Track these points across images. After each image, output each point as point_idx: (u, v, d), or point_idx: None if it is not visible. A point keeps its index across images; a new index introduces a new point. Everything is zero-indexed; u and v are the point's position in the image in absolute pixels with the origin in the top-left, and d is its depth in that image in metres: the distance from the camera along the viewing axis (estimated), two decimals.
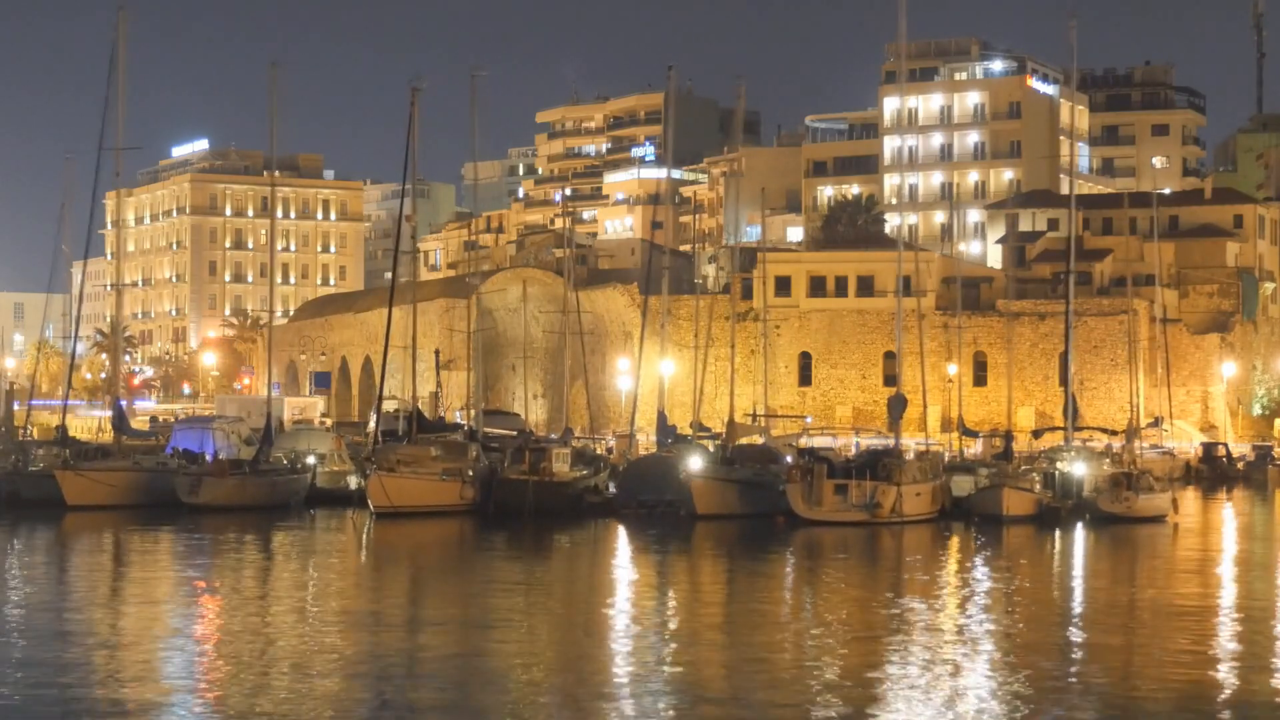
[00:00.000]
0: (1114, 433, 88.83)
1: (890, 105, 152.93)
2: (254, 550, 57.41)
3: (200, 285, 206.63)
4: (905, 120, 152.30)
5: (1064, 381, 79.71)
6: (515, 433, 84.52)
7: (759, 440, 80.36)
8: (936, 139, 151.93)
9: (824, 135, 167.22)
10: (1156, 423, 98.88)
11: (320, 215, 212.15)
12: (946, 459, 79.90)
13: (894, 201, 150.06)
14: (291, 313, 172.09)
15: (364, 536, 62.33)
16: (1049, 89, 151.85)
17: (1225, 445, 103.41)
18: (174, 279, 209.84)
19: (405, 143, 75.08)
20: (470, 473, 69.11)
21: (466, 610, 42.30)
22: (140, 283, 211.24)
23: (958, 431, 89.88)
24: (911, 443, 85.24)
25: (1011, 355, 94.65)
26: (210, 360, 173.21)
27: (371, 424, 78.28)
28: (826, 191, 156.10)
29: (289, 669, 32.48)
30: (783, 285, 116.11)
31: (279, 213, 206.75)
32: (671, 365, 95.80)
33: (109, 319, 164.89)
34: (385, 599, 45.22)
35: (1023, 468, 74.73)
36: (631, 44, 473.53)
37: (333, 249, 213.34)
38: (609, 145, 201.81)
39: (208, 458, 74.66)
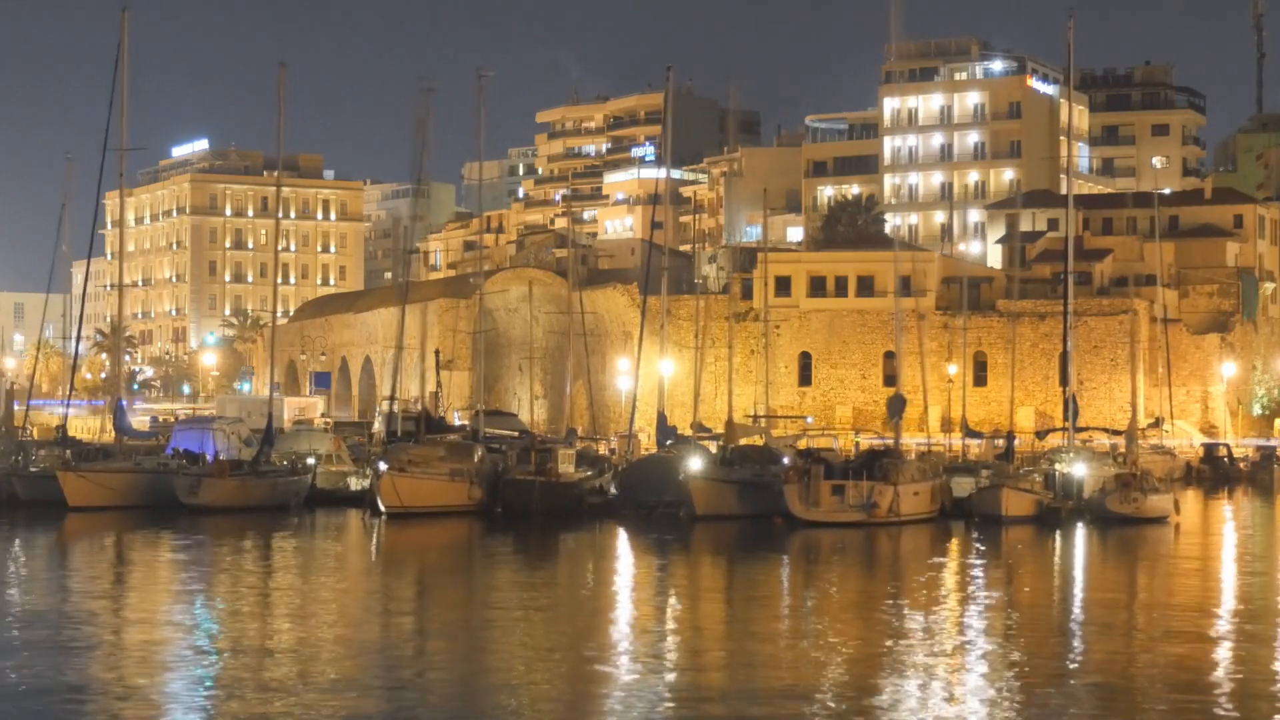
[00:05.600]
0: (1118, 433, 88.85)
1: (890, 105, 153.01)
2: (261, 553, 57.40)
3: (200, 285, 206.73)
4: (905, 120, 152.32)
5: (1064, 382, 79.75)
6: (517, 433, 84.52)
7: (759, 441, 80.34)
8: (936, 139, 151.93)
9: (824, 135, 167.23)
10: (1156, 423, 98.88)
11: (320, 215, 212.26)
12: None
13: (894, 201, 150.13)
14: (291, 313, 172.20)
15: (375, 538, 62.42)
16: (1049, 89, 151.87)
17: (1227, 445, 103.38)
18: (174, 279, 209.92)
19: (407, 143, 75.46)
20: (476, 474, 69.13)
21: (474, 614, 42.37)
22: (140, 283, 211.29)
23: (960, 432, 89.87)
24: (914, 442, 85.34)
25: (1012, 355, 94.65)
26: (210, 360, 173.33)
27: (377, 424, 78.34)
28: (826, 191, 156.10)
29: (293, 672, 32.52)
30: (783, 285, 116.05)
31: (279, 213, 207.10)
32: (671, 365, 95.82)
33: (109, 319, 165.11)
34: (401, 601, 45.26)
35: (1023, 468, 74.72)
36: (631, 44, 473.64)
37: (333, 249, 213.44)
38: (609, 145, 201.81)
39: (208, 458, 74.62)
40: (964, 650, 36.08)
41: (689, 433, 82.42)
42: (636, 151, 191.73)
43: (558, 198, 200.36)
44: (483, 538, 62.71)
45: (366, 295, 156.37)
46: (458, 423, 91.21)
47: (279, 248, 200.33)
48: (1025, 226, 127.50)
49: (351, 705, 29.28)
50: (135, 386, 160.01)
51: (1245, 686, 32.09)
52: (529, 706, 29.51)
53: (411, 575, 52.13)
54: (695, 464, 70.46)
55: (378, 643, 36.77)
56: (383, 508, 66.15)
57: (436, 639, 37.83)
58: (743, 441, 77.66)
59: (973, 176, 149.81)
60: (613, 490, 72.76)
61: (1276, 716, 29.53)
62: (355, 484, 74.86)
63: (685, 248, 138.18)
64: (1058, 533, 65.14)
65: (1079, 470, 72.78)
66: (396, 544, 61.09)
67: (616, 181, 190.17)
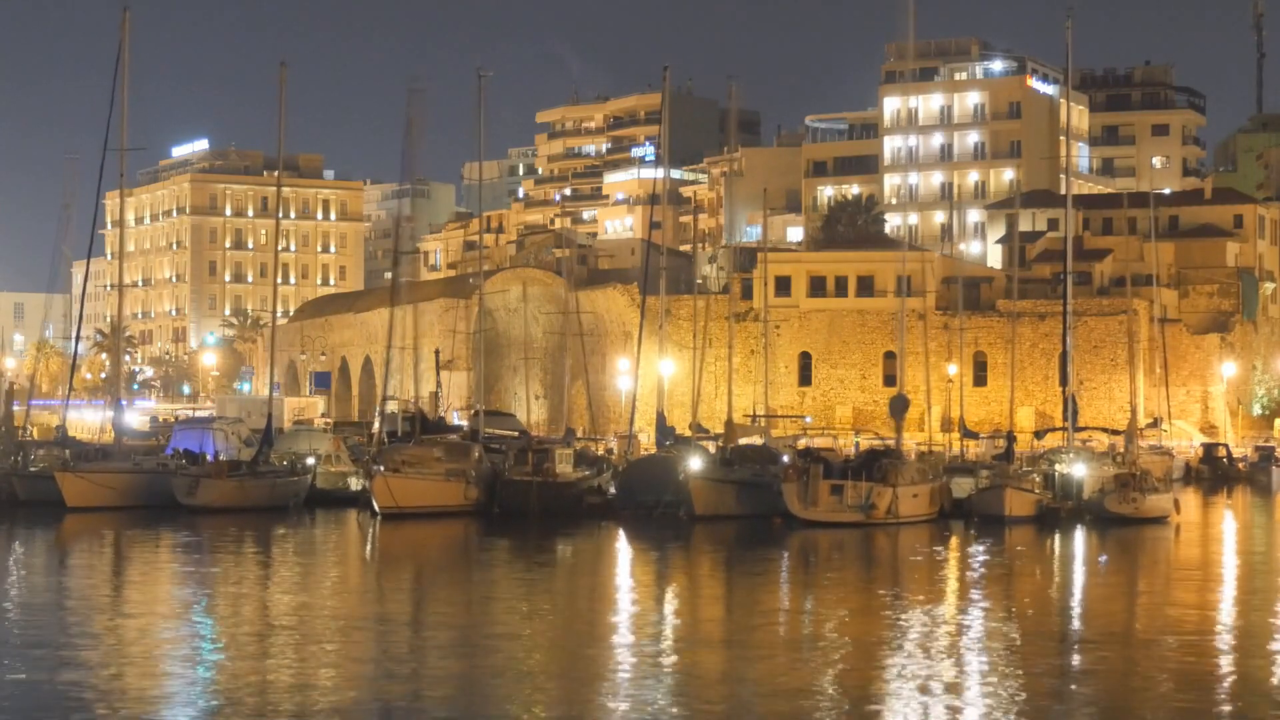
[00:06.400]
0: (1117, 432, 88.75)
1: (890, 105, 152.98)
2: (254, 552, 57.37)
3: (200, 285, 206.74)
4: (905, 120, 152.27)
5: (1063, 382, 79.63)
6: (516, 434, 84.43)
7: (759, 441, 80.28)
8: (936, 139, 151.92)
9: (824, 135, 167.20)
10: (1155, 423, 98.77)
11: (320, 215, 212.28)
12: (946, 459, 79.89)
13: (894, 201, 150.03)
14: (291, 313, 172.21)
15: (369, 537, 62.36)
16: (1049, 89, 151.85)
17: (1226, 446, 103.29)
18: (174, 279, 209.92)
19: (404, 144, 75.16)
20: (473, 474, 69.05)
21: (469, 613, 42.32)
22: (140, 283, 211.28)
23: (958, 432, 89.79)
24: (913, 443, 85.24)
25: (1012, 355, 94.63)
26: (210, 360, 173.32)
27: (377, 424, 78.29)
28: (826, 191, 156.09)
29: (289, 673, 32.49)
30: (783, 285, 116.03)
31: (279, 212, 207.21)
32: (671, 365, 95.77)
33: (109, 319, 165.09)
34: (392, 602, 45.21)
35: (1024, 468, 74.60)
36: (631, 44, 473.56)
37: (333, 249, 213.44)
38: (609, 145, 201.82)
39: (208, 458, 74.53)
40: (964, 652, 36.03)
41: (688, 433, 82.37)
42: (636, 151, 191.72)
43: (558, 198, 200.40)
44: (479, 538, 62.61)
45: (366, 295, 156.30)
46: (457, 423, 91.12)
47: (279, 248, 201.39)
48: (1025, 226, 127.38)
49: (349, 707, 29.27)
50: (135, 386, 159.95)
51: (1247, 688, 32.06)
52: (526, 709, 29.49)
53: (404, 578, 51.96)
54: (695, 464, 70.39)
55: (371, 649, 36.69)
56: (377, 508, 66.13)
57: (430, 640, 37.75)
58: (742, 441, 77.58)
59: (973, 176, 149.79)
60: (612, 490, 72.70)
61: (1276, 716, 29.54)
62: (355, 484, 74.78)
63: (685, 248, 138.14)
64: (1057, 533, 65.02)
65: (1079, 470, 72.66)
66: (389, 545, 60.86)
67: (616, 181, 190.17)
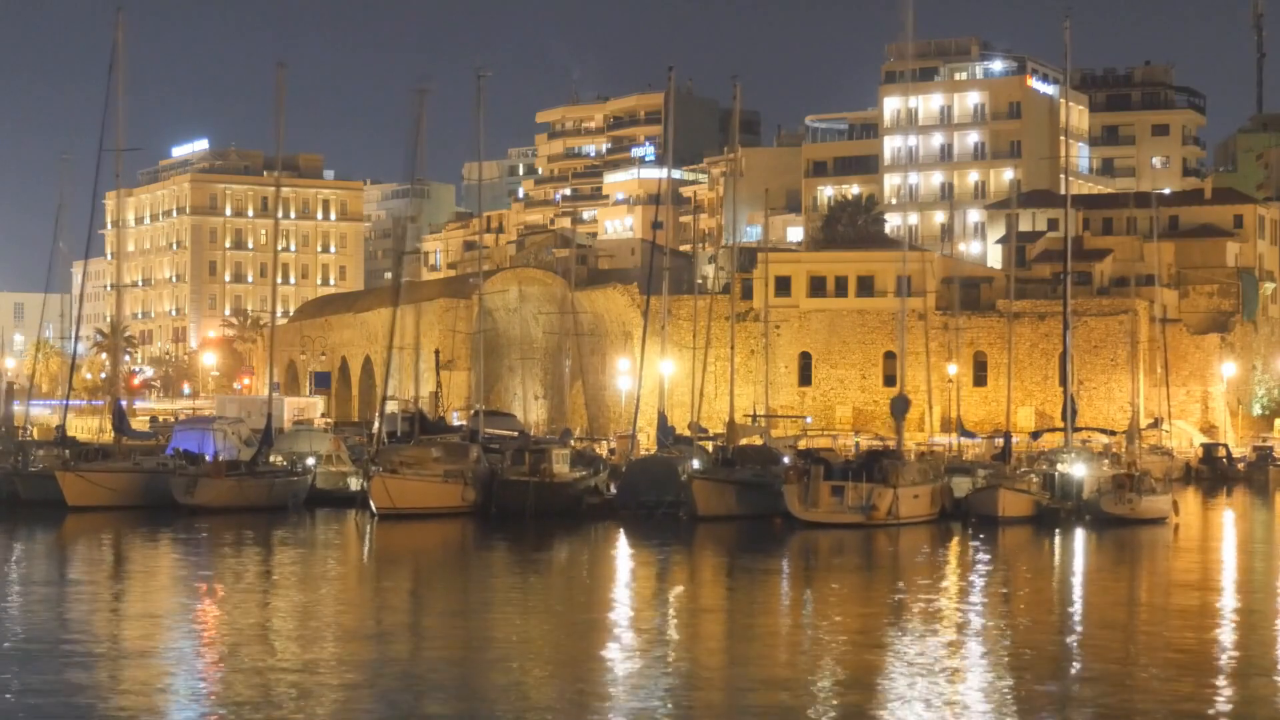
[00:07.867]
0: (1114, 433, 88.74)
1: (890, 105, 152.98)
2: (253, 552, 57.36)
3: (200, 285, 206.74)
4: (905, 120, 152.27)
5: (1064, 382, 79.61)
6: (516, 434, 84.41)
7: (759, 441, 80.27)
8: (936, 139, 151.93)
9: (824, 135, 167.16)
10: (1156, 423, 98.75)
11: (320, 215, 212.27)
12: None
13: (894, 201, 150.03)
14: (291, 313, 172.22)
15: (366, 538, 62.34)
16: (1049, 89, 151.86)
17: (1225, 446, 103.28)
18: (174, 279, 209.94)
19: (407, 143, 75.14)
20: (471, 474, 68.99)
21: (467, 613, 42.31)
22: (140, 283, 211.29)
23: (955, 432, 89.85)
24: (912, 443, 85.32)
25: (1011, 355, 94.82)
26: (210, 360, 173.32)
27: (376, 425, 78.32)
28: (826, 191, 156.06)
29: (289, 675, 32.48)
30: (783, 285, 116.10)
31: (279, 213, 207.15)
32: (672, 365, 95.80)
33: (109, 319, 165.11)
34: (388, 603, 45.20)
35: (1021, 469, 74.57)
36: (632, 44, 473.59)
37: (333, 249, 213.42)
38: (609, 145, 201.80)
39: (208, 458, 74.53)
40: (961, 654, 36.06)
41: (688, 433, 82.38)
42: (637, 151, 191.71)
43: (558, 198, 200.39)
44: (475, 539, 62.53)
45: (366, 295, 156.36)
46: (456, 423, 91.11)
47: (279, 248, 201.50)
48: (1025, 226, 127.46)
49: (348, 707, 29.27)
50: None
51: (1244, 684, 32.07)
52: (524, 710, 29.49)
53: (397, 580, 51.92)
54: (696, 464, 70.34)
55: (368, 650, 36.70)
56: (374, 509, 66.11)
57: (427, 641, 37.77)
58: (742, 442, 77.57)
59: (973, 176, 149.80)
60: (612, 490, 72.65)
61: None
62: (355, 484, 74.76)
63: (685, 248, 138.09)
64: (1056, 534, 64.93)
65: (1078, 471, 72.59)
66: (384, 547, 60.72)
67: (616, 181, 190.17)
